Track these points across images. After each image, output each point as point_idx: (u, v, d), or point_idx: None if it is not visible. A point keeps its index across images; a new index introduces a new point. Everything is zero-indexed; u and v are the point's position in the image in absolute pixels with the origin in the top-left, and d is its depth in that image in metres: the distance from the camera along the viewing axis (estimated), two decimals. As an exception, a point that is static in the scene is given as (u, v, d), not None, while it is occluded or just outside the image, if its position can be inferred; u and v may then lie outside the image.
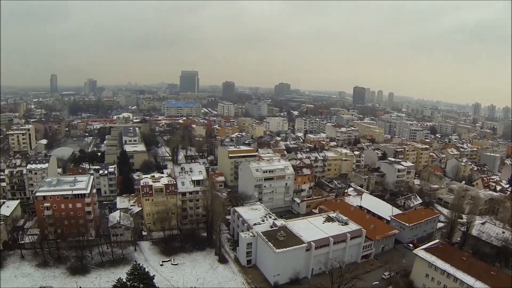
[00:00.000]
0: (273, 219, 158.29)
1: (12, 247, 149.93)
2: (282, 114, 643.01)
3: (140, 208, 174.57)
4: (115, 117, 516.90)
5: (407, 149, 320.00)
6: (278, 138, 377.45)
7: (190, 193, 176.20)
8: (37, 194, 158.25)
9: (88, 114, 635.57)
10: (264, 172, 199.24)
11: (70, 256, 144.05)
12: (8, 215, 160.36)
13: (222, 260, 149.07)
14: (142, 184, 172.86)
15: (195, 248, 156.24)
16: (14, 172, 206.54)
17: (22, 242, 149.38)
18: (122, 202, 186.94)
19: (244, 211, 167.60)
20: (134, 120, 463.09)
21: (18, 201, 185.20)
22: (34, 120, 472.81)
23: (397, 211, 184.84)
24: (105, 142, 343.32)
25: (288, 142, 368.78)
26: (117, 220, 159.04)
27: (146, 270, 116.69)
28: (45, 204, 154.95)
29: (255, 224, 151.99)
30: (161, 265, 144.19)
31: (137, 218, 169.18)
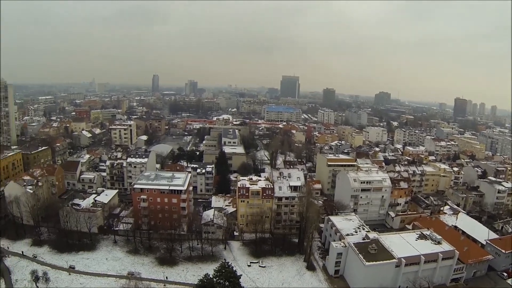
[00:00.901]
0: (366, 231, 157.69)
1: (106, 232, 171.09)
2: (381, 124, 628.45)
3: (235, 209, 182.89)
4: (214, 118, 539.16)
5: (509, 168, 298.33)
6: (377, 149, 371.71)
7: (287, 198, 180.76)
8: (135, 186, 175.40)
9: (188, 114, 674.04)
10: (361, 182, 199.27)
11: (161, 247, 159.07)
12: (106, 202, 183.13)
13: (310, 267, 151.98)
14: (239, 186, 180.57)
15: (285, 253, 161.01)
16: (115, 164, 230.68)
17: (116, 228, 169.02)
18: (217, 201, 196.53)
19: (338, 220, 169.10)
20: (234, 122, 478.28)
21: (116, 191, 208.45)
22: (135, 117, 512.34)
23: (493, 235, 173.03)
24: (204, 142, 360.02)
25: (386, 154, 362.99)
26: (211, 218, 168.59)
27: (234, 269, 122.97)
28: (142, 196, 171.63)
29: (347, 235, 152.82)
30: (249, 265, 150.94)
31: (230, 218, 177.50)
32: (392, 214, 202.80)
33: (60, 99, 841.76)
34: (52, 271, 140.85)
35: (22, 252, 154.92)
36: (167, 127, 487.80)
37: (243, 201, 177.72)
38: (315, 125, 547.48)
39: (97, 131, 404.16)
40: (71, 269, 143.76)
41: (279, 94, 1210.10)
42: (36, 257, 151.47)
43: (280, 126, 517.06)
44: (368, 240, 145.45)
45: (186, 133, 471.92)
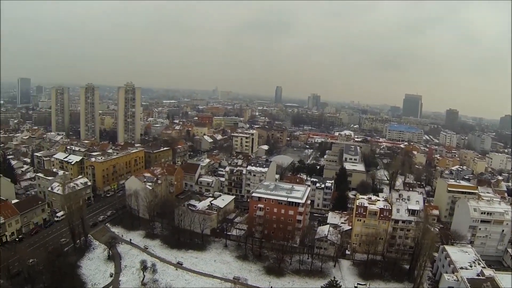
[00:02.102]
0: (482, 266, 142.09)
1: (218, 235, 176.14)
2: (506, 150, 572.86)
3: (350, 227, 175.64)
4: (336, 133, 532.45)
5: None
6: (500, 178, 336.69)
7: (403, 222, 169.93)
8: (254, 194, 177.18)
9: (310, 127, 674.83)
10: (482, 213, 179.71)
11: (270, 257, 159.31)
12: (221, 207, 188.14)
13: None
14: (357, 204, 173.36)
15: (394, 279, 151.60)
16: (235, 171, 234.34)
17: (229, 233, 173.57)
18: (333, 217, 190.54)
19: (453, 251, 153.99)
20: (355, 139, 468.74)
21: (233, 197, 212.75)
22: (258, 126, 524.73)
23: None
24: (325, 156, 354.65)
25: (510, 184, 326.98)
26: (325, 234, 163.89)
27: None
28: (259, 205, 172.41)
29: (461, 268, 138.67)
30: (355, 287, 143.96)
31: (344, 236, 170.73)
32: (511, 251, 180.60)
33: (184, 103, 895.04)
34: (160, 264, 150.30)
35: (130, 239, 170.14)
36: (288, 138, 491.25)
37: (360, 220, 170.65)
38: (436, 147, 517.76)
39: (219, 137, 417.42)
40: (179, 265, 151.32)
41: (401, 113, 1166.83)
42: (147, 248, 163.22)
43: (401, 146, 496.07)
44: (483, 278, 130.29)
45: (307, 146, 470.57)
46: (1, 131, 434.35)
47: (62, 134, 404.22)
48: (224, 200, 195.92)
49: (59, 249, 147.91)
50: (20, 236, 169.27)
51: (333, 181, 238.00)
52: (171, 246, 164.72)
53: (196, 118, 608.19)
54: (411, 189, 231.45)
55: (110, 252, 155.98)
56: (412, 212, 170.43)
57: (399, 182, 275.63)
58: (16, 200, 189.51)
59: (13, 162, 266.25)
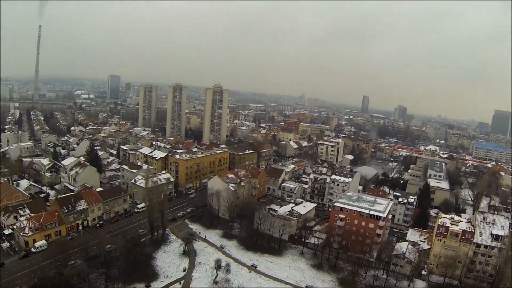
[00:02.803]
0: None
1: (296, 242, 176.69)
2: None
3: (429, 247, 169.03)
4: (421, 148, 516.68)
5: None
6: None
7: (486, 246, 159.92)
8: (336, 204, 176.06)
9: (395, 140, 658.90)
10: None
11: (345, 269, 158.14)
12: (302, 214, 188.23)
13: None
14: (439, 223, 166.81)
15: None
16: (318, 179, 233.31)
17: (307, 241, 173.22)
18: (413, 234, 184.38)
19: None
20: (441, 155, 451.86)
21: (315, 205, 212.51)
22: (344, 135, 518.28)
23: None
24: (409, 171, 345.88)
25: None
26: (403, 251, 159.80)
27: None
28: (340, 215, 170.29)
29: None
30: None
31: (422, 255, 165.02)
32: None
33: (270, 108, 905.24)
34: (235, 264, 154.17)
35: (205, 236, 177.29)
36: (373, 150, 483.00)
37: (440, 240, 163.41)
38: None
39: (304, 143, 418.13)
40: (253, 268, 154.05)
41: (490, 130, 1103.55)
42: (223, 248, 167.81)
43: (488, 165, 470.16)
44: None
45: (392, 159, 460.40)
46: (91, 123, 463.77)
47: (148, 130, 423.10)
48: (305, 207, 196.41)
49: (137, 239, 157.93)
50: (100, 223, 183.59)
51: (415, 197, 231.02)
52: (247, 248, 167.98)
53: (283, 123, 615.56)
54: (496, 212, 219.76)
55: (186, 247, 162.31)
56: (496, 238, 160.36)
57: (483, 204, 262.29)
58: (100, 189, 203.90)
59: (100, 153, 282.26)
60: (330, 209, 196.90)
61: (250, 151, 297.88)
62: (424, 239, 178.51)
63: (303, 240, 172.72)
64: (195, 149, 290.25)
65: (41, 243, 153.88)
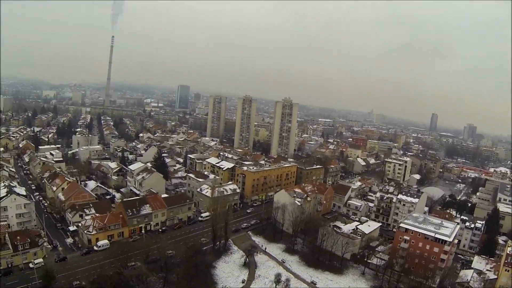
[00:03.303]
0: None
1: (358, 261, 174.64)
2: None
3: (496, 277, 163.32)
4: (491, 170, 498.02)
5: None
6: None
7: None
8: (401, 225, 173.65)
9: (464, 160, 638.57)
10: None
11: None
12: (367, 233, 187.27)
13: None
14: (507, 252, 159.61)
15: None
16: (385, 198, 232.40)
17: (369, 261, 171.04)
18: (478, 262, 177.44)
19: None
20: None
21: (380, 224, 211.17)
22: (411, 154, 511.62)
23: None
24: (477, 194, 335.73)
25: None
26: (467, 280, 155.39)
27: None
28: (405, 237, 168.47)
29: None
30: None
31: (488, 285, 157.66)
32: None
33: (338, 123, 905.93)
34: (294, 280, 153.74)
35: (265, 248, 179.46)
36: (441, 170, 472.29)
37: (508, 271, 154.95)
38: None
39: (371, 161, 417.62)
40: (312, 284, 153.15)
41: None
42: (284, 262, 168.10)
43: None
44: None
45: (459, 180, 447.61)
46: (159, 130, 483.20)
47: (216, 140, 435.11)
48: (369, 226, 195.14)
49: (198, 246, 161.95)
50: (163, 228, 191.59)
51: (483, 222, 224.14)
52: (308, 264, 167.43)
53: (351, 139, 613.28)
54: None
55: (247, 259, 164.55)
56: None
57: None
58: (165, 195, 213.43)
59: (167, 160, 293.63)
60: (395, 230, 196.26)
61: (318, 166, 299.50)
62: (491, 268, 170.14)
63: (365, 260, 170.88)
64: (262, 162, 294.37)
65: (103, 242, 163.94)
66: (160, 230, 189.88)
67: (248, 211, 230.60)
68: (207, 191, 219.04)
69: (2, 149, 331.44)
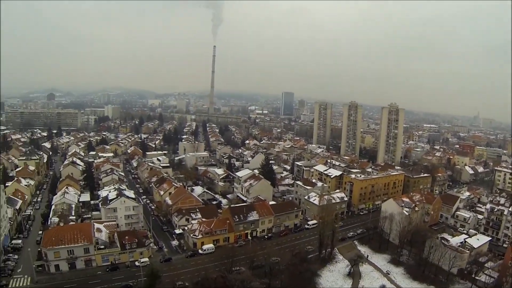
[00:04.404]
0: None
1: (464, 277, 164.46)
2: None
3: None
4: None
5: None
6: None
7: None
8: None
9: None
10: None
11: None
12: (475, 247, 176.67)
13: None
14: None
15: None
16: (495, 210, 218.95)
17: (477, 278, 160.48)
18: None
19: None
20: None
21: (489, 238, 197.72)
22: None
23: None
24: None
25: None
26: None
27: None
28: None
29: None
30: None
31: None
32: None
33: (444, 129, 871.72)
34: None
35: (367, 256, 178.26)
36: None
37: None
38: None
39: (480, 169, 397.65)
40: None
41: None
42: (389, 274, 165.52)
43: None
44: None
45: None
46: (265, 137, 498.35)
47: (323, 148, 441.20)
48: (478, 240, 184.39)
49: (304, 254, 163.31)
50: (269, 235, 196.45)
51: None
52: (413, 277, 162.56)
53: (457, 146, 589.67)
54: None
55: (352, 269, 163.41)
56: None
57: None
58: (273, 202, 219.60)
59: (274, 167, 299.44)
60: (506, 245, 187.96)
61: (425, 175, 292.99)
62: None
63: (473, 276, 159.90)
64: (369, 169, 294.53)
65: (208, 246, 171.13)
66: (266, 236, 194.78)
67: (355, 219, 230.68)
68: (315, 199, 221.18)
69: (112, 154, 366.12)
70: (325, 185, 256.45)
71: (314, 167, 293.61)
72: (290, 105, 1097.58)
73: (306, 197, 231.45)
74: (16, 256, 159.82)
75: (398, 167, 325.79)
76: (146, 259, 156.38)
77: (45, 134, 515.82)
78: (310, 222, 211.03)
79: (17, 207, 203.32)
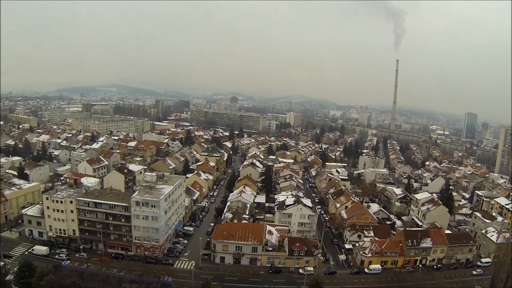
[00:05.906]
0: None
1: None
2: None
3: None
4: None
5: None
6: None
7: None
8: None
9: None
10: None
11: None
12: None
13: None
14: None
15: None
16: None
17: None
18: None
19: None
20: None
21: None
22: None
23: None
24: None
25: None
26: None
27: None
28: None
29: None
30: None
31: None
32: None
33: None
34: None
35: None
36: None
37: None
38: None
39: None
40: None
41: None
42: None
43: None
44: None
45: None
46: (445, 160, 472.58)
47: (506, 178, 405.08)
48: None
49: None
50: (439, 265, 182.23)
51: None
52: None
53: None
54: None
55: None
56: None
57: None
58: (448, 231, 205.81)
59: (453, 194, 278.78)
60: None
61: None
62: None
63: None
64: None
65: (376, 266, 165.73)
66: (435, 266, 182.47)
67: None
68: (493, 235, 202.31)
69: (292, 160, 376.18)
70: (505, 220, 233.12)
71: (495, 199, 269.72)
72: (472, 127, 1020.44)
73: (483, 231, 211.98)
74: (185, 241, 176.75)
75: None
76: (311, 269, 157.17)
77: (226, 133, 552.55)
78: (483, 260, 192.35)
79: (194, 197, 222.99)
